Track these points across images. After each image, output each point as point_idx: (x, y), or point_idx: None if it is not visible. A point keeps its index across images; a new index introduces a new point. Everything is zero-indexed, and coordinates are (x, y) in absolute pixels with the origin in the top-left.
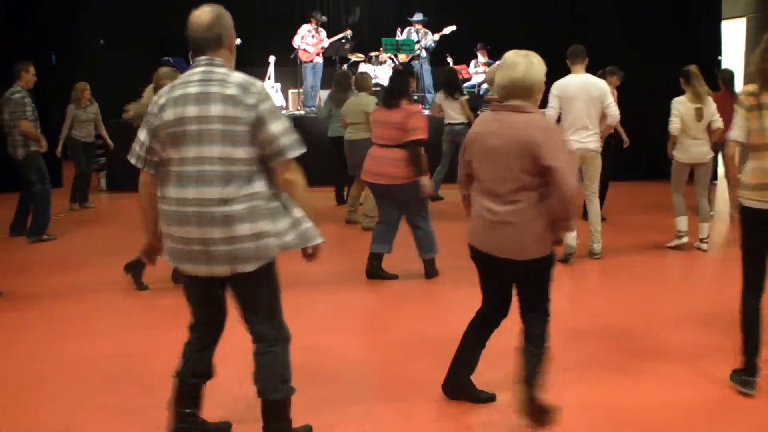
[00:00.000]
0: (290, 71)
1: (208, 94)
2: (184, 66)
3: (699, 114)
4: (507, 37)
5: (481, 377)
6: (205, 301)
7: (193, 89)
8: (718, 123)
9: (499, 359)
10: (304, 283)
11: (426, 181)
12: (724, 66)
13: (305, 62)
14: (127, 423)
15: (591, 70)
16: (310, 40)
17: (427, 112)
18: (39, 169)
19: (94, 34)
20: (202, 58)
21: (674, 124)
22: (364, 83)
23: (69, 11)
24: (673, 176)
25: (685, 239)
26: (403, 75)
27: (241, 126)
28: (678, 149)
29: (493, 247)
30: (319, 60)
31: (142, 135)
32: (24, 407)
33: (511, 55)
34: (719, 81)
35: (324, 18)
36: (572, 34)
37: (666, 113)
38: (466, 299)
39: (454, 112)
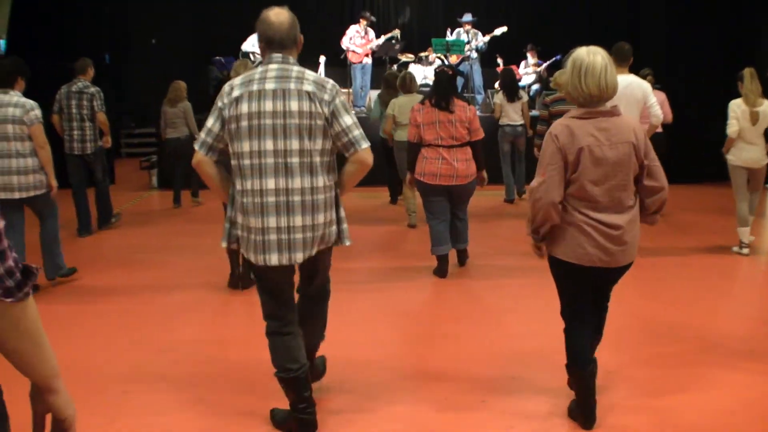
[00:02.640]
0: (340, 71)
1: (286, 90)
2: (233, 64)
3: (754, 117)
4: (556, 37)
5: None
6: (278, 288)
7: (270, 85)
8: None
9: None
10: (354, 282)
11: (485, 174)
12: None
13: (354, 63)
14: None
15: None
16: (358, 41)
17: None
18: (104, 164)
19: (145, 33)
20: (277, 55)
21: (733, 127)
22: (413, 85)
23: (121, 11)
24: (733, 181)
25: (746, 251)
26: (451, 75)
27: (319, 120)
28: (732, 152)
29: (615, 261)
30: (368, 60)
31: (211, 123)
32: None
33: (589, 56)
34: None
35: (373, 18)
36: (623, 35)
37: (723, 116)
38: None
39: (515, 114)
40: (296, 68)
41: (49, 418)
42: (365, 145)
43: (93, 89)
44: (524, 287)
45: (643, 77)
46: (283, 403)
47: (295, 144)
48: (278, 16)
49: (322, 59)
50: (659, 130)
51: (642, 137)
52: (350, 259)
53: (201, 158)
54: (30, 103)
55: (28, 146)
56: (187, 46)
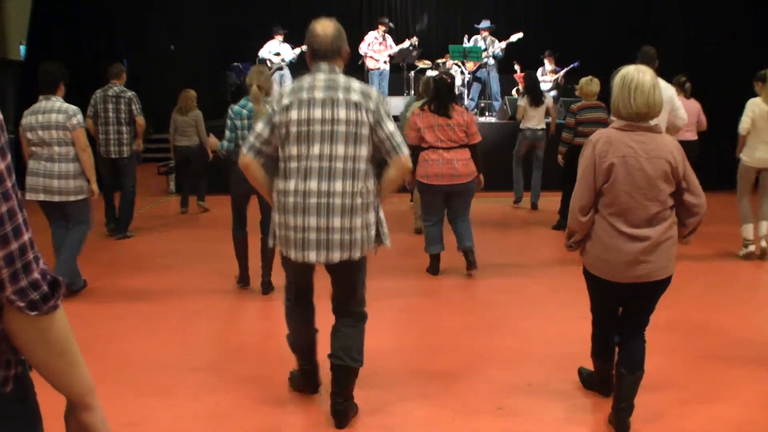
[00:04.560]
0: (358, 78)
1: (334, 99)
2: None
3: None
4: (573, 44)
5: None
6: (306, 280)
7: (320, 94)
8: None
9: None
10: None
11: (482, 178)
12: None
13: (372, 69)
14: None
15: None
16: (376, 47)
17: (493, 120)
18: (135, 169)
19: (164, 39)
20: (324, 65)
21: (744, 124)
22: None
23: (140, 17)
24: (739, 180)
25: (752, 248)
26: (449, 83)
27: (365, 128)
28: (745, 151)
29: (641, 276)
30: (386, 67)
31: (260, 128)
32: None
33: (638, 74)
34: None
35: (392, 25)
36: (640, 42)
37: (733, 121)
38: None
39: (537, 118)
40: (343, 78)
41: None
42: (406, 151)
43: (130, 93)
44: (540, 294)
45: (680, 83)
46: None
47: (340, 150)
48: (324, 28)
49: None
50: (694, 137)
51: (680, 157)
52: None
53: (249, 161)
54: (72, 108)
55: (71, 151)
56: (205, 52)
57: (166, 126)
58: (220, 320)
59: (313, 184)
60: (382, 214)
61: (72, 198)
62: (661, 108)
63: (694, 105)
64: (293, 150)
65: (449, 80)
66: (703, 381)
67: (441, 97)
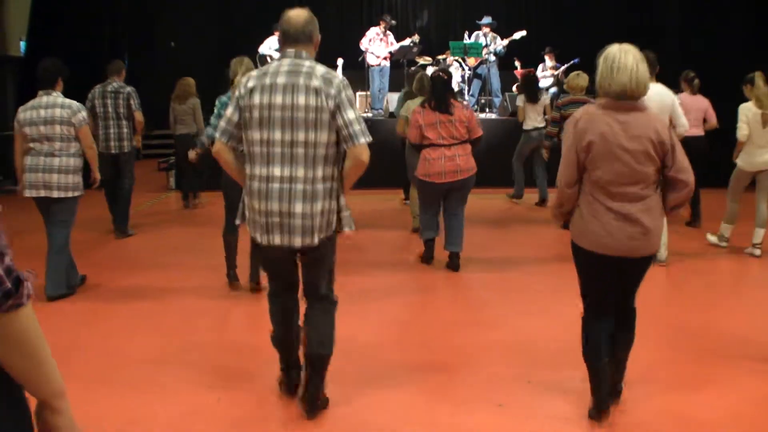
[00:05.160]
0: (358, 74)
1: (294, 85)
2: None
3: (765, 120)
4: (574, 41)
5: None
6: (282, 270)
7: (281, 80)
8: None
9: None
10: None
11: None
12: None
13: (373, 66)
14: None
15: (662, 74)
16: (377, 44)
17: (494, 116)
18: (133, 164)
19: (164, 35)
20: (290, 50)
21: (742, 131)
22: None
23: (140, 14)
24: (732, 182)
25: (724, 244)
26: (446, 79)
27: (325, 114)
28: (742, 156)
29: (630, 250)
30: (386, 63)
31: (230, 112)
32: (90, 399)
33: (621, 54)
34: None
35: (393, 21)
36: (643, 39)
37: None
38: None
39: (538, 115)
40: (308, 63)
41: None
42: (363, 140)
43: (128, 89)
44: (540, 292)
45: (687, 79)
46: None
47: (301, 135)
48: (297, 14)
49: (340, 62)
50: (701, 133)
51: (666, 135)
52: (360, 265)
53: (220, 147)
54: (75, 104)
55: (73, 147)
56: (205, 48)
57: (166, 122)
58: (218, 318)
59: (276, 170)
60: (343, 201)
61: (70, 194)
62: (645, 87)
63: (702, 101)
64: (256, 135)
65: (445, 76)
66: (694, 374)
67: (438, 93)
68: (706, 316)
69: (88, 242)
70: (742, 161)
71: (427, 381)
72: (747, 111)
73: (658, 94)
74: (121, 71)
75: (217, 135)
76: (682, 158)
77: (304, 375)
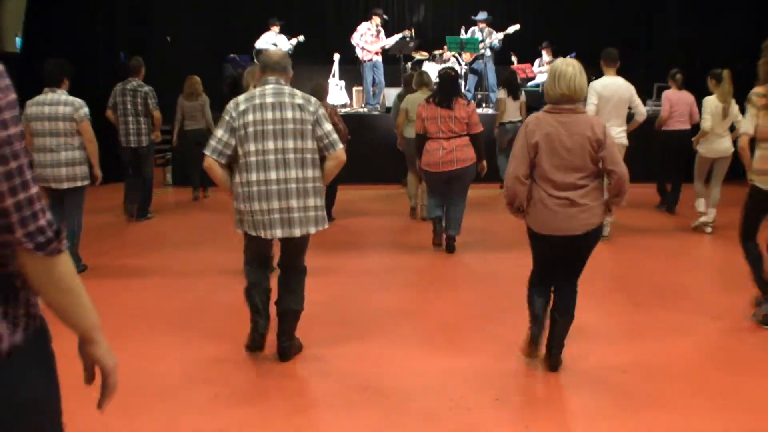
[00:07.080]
0: (355, 69)
1: (281, 103)
2: (248, 62)
3: (725, 112)
4: (571, 35)
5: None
6: (266, 252)
7: (270, 99)
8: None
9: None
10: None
11: (485, 163)
12: None
13: (365, 61)
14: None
15: (657, 68)
16: (369, 38)
17: (490, 111)
18: (152, 157)
19: (160, 32)
20: (272, 78)
21: (707, 122)
22: (431, 82)
23: (137, 10)
24: (697, 168)
25: (704, 219)
26: (453, 76)
27: (308, 125)
28: (702, 144)
29: (570, 229)
30: (378, 58)
31: (221, 134)
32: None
33: (563, 66)
34: None
35: (386, 17)
36: (637, 32)
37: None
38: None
39: (516, 111)
40: (287, 88)
41: (98, 368)
42: (340, 146)
43: (147, 88)
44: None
45: (671, 76)
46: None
47: (290, 144)
48: (275, 50)
49: (337, 57)
50: (687, 127)
51: (600, 132)
52: (363, 255)
53: (212, 162)
54: (78, 101)
55: (77, 141)
56: (201, 44)
57: (164, 118)
58: (225, 305)
59: (272, 174)
60: (321, 202)
61: (78, 183)
62: (581, 92)
63: (687, 97)
64: (251, 147)
65: (453, 74)
66: (634, 326)
67: (445, 90)
68: (640, 273)
69: (108, 227)
70: (703, 148)
71: (426, 377)
72: (710, 104)
73: (617, 87)
74: (139, 69)
75: (208, 152)
76: (613, 153)
77: (277, 329)
